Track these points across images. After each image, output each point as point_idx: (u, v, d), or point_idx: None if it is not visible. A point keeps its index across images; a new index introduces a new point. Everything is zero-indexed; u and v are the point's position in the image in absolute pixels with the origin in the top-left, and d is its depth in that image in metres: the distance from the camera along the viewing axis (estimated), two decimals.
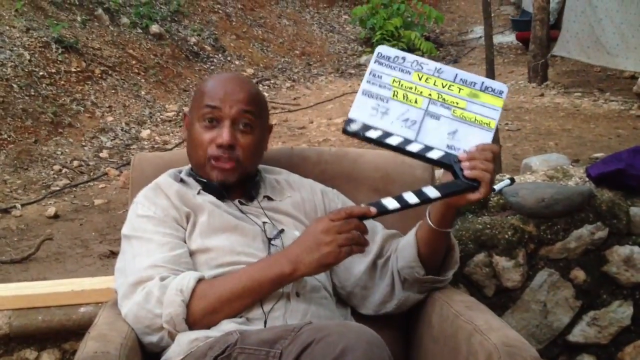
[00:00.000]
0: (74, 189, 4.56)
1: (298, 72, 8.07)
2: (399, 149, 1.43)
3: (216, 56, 7.68)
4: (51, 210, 4.08)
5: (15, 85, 5.30)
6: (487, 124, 1.46)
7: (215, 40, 7.90)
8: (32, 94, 5.37)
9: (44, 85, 5.54)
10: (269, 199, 1.72)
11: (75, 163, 4.94)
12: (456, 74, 1.49)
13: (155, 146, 5.45)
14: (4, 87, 5.24)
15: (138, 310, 1.50)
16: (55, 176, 4.72)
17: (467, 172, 1.41)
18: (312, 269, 1.46)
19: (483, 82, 1.49)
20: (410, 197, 1.41)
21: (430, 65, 1.50)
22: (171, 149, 5.18)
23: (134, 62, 6.61)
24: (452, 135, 1.45)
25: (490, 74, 3.58)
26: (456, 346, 1.52)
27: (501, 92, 1.48)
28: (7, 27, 5.84)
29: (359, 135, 1.43)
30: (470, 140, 1.44)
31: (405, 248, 1.64)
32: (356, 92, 1.47)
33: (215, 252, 1.58)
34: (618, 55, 6.19)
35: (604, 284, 2.34)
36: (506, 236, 2.23)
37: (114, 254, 3.38)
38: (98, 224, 3.95)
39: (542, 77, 6.82)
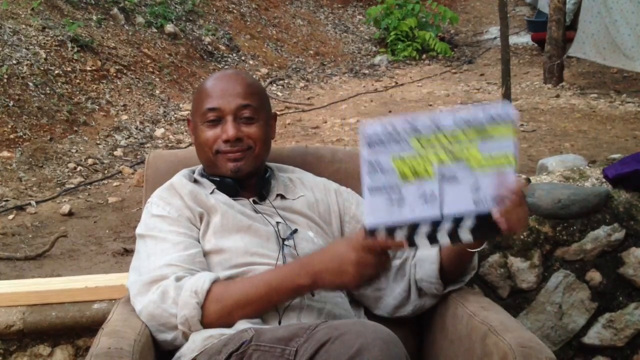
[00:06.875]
0: (89, 186, 4.58)
1: (312, 72, 8.06)
2: (433, 243, 1.33)
3: (230, 56, 7.69)
4: (65, 208, 4.10)
5: (30, 84, 5.34)
6: (505, 159, 1.33)
7: (229, 40, 7.91)
8: (48, 92, 5.40)
9: (59, 83, 5.57)
10: (282, 197, 1.73)
11: (90, 161, 4.96)
12: (454, 117, 1.31)
13: (169, 145, 5.46)
14: (20, 85, 5.27)
15: (154, 308, 1.50)
16: (70, 174, 4.74)
17: (504, 227, 1.34)
18: (330, 288, 1.49)
19: (485, 112, 1.32)
20: (444, 238, 1.34)
21: (423, 120, 1.30)
22: (185, 148, 5.19)
23: (148, 61, 6.63)
24: (475, 189, 1.33)
25: (506, 75, 3.56)
26: (470, 347, 1.51)
27: (507, 114, 1.32)
28: (23, 26, 5.88)
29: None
30: (494, 184, 1.33)
31: (426, 261, 1.64)
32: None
33: (229, 253, 1.58)
34: (634, 58, 6.14)
35: (620, 286, 2.31)
36: (521, 237, 2.21)
37: (127, 252, 3.39)
38: (112, 221, 3.96)
39: (558, 78, 6.77)
